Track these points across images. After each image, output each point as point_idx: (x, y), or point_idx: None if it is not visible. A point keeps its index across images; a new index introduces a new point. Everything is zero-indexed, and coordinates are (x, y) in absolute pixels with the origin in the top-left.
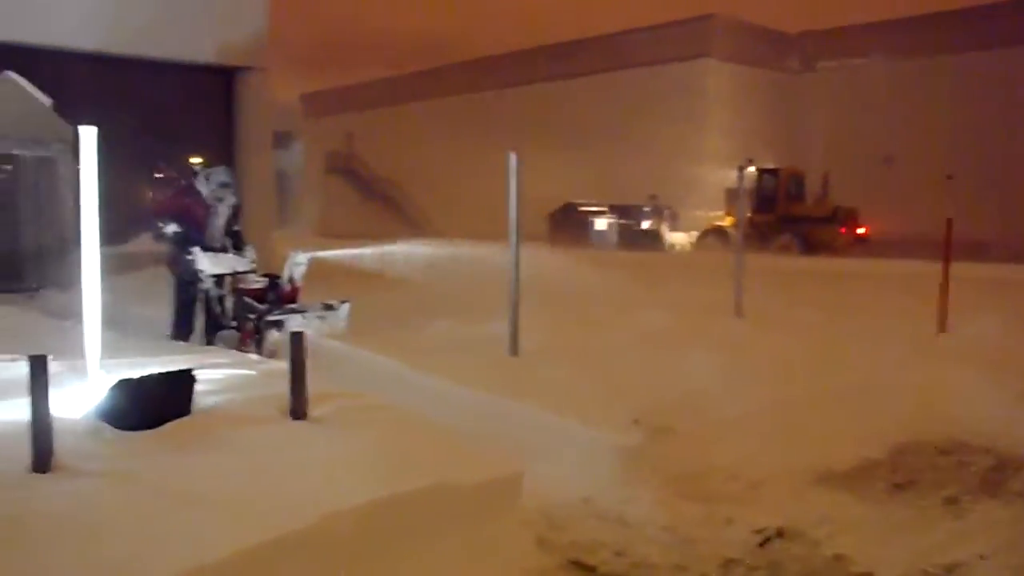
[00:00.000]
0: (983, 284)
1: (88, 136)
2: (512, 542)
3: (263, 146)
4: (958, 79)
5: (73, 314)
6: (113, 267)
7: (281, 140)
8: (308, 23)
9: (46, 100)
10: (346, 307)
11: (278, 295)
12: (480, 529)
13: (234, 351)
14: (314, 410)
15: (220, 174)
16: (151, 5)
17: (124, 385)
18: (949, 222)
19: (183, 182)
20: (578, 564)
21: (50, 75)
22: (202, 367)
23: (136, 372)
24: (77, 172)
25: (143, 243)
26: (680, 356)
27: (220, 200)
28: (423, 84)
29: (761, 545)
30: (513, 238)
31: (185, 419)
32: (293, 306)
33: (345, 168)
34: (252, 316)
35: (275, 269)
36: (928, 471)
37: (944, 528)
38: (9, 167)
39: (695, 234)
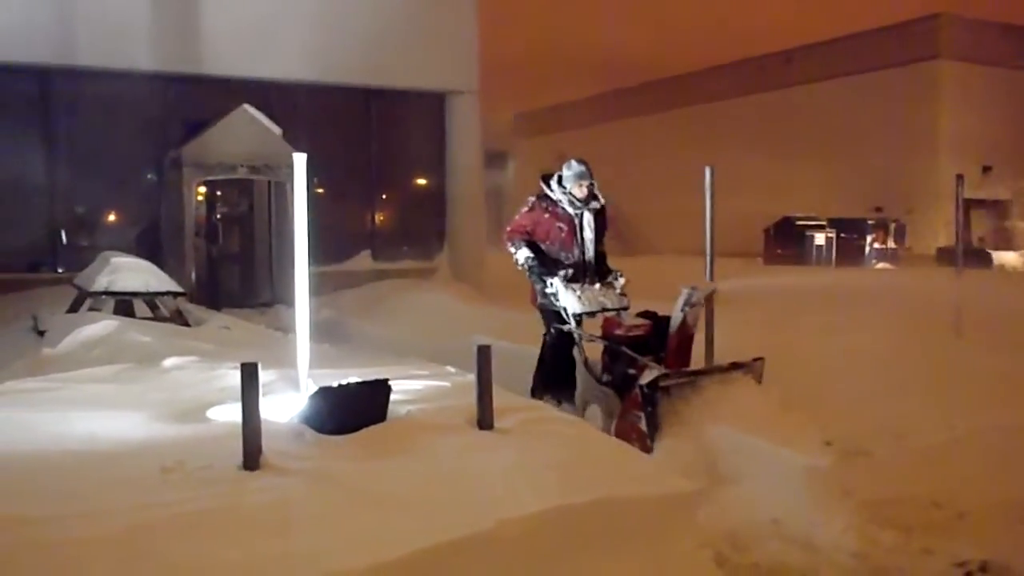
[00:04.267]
0: None
1: (300, 162)
2: (689, 560)
3: (474, 168)
4: None
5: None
6: (335, 284)
7: (496, 160)
8: (519, 44)
9: (276, 129)
10: (760, 366)
11: (664, 343)
12: (654, 545)
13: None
14: (499, 421)
15: (573, 168)
16: (365, 37)
17: (325, 392)
18: None
19: (531, 196)
20: None
21: (280, 106)
22: (399, 377)
23: (339, 381)
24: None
25: (362, 261)
26: (900, 377)
27: (584, 205)
28: (635, 100)
29: None
30: (708, 253)
31: (380, 425)
32: (696, 370)
33: None
34: (633, 372)
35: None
36: None
37: None
38: (247, 199)
39: None
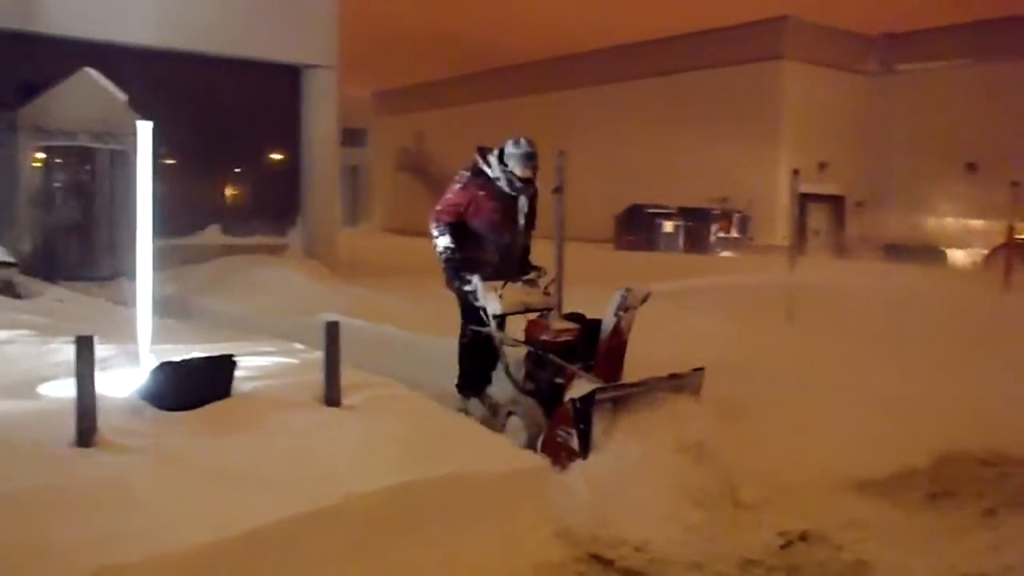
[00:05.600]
0: None
1: (144, 131)
2: (532, 533)
3: (330, 144)
4: None
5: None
6: (182, 258)
7: (354, 137)
8: (379, 22)
9: (121, 95)
10: (700, 376)
11: (593, 349)
12: (500, 518)
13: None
14: (346, 398)
15: (522, 147)
16: (222, 4)
17: (166, 367)
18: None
19: (463, 171)
20: (596, 558)
21: (125, 71)
22: (245, 354)
23: (182, 356)
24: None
25: (211, 235)
26: (736, 361)
27: (523, 188)
28: (495, 84)
29: (783, 547)
30: (558, 237)
31: (223, 402)
32: (634, 383)
33: (415, 166)
34: (560, 381)
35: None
36: (969, 482)
37: (976, 538)
38: (88, 167)
39: (978, 251)
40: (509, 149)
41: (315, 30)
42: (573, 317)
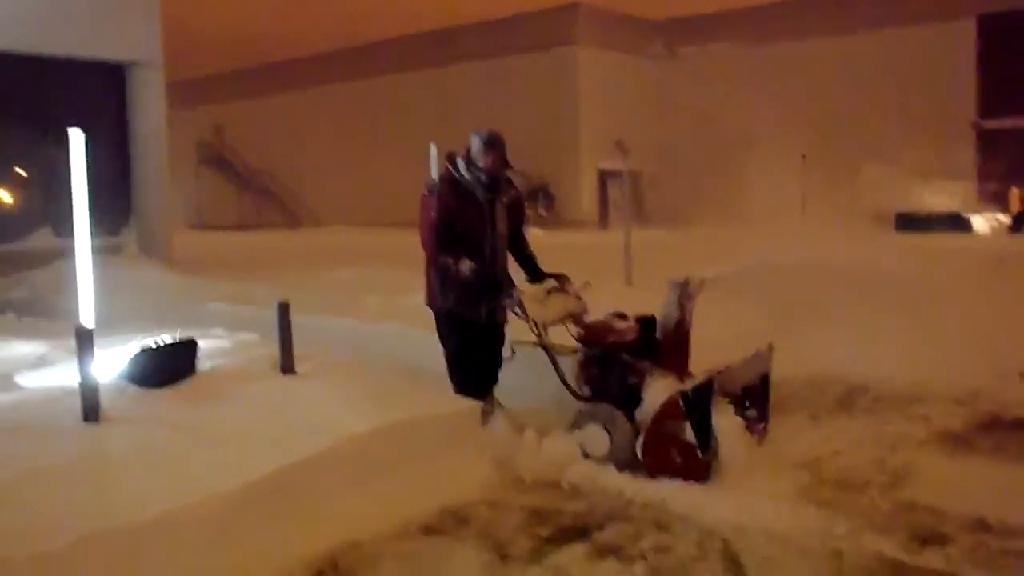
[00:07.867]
0: None
1: (77, 139)
2: (476, 461)
3: (159, 141)
4: (809, 64)
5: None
6: (16, 264)
7: None
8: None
9: None
10: (771, 352)
11: (651, 345)
12: (449, 452)
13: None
14: (298, 367)
15: (482, 135)
16: (40, 2)
17: (147, 352)
18: None
19: (433, 178)
20: (520, 479)
21: None
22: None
23: (137, 345)
24: None
25: (42, 238)
26: None
27: (495, 189)
28: (294, 74)
29: None
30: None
31: (194, 377)
32: (727, 366)
33: (216, 159)
34: (633, 382)
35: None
36: (795, 397)
37: (807, 436)
38: None
39: (999, 217)
40: (472, 142)
41: (139, 26)
42: (620, 316)
